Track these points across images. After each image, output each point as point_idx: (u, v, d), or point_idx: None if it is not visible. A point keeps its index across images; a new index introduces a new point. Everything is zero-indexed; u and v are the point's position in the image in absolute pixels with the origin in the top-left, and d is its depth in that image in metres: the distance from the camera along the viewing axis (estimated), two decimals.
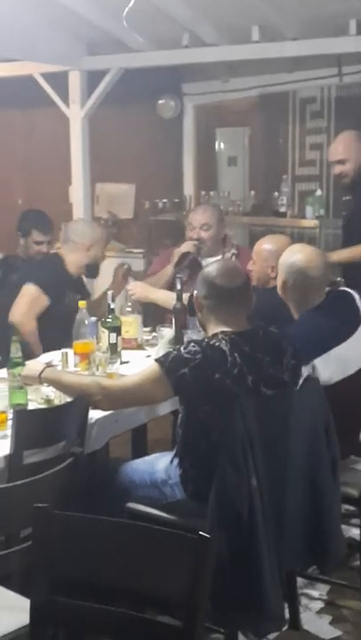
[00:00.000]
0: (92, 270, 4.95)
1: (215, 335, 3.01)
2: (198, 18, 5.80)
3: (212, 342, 2.98)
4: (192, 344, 3.00)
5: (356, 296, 3.73)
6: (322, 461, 3.09)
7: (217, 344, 2.97)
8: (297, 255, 3.63)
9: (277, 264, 3.71)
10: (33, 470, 2.72)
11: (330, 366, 3.40)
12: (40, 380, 3.32)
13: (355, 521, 3.65)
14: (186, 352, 2.96)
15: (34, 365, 3.42)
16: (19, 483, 2.46)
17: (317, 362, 3.39)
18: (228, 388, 2.93)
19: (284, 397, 3.06)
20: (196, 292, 3.21)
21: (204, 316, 3.15)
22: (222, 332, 3.01)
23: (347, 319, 3.60)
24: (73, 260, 4.81)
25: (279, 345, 3.12)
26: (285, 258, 3.64)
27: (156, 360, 3.07)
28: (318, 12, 5.45)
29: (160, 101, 7.24)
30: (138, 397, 3.17)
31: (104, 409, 3.24)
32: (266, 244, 4.16)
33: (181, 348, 3.01)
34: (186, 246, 4.88)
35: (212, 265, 3.26)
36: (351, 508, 3.55)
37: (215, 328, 3.05)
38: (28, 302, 4.62)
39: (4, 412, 3.10)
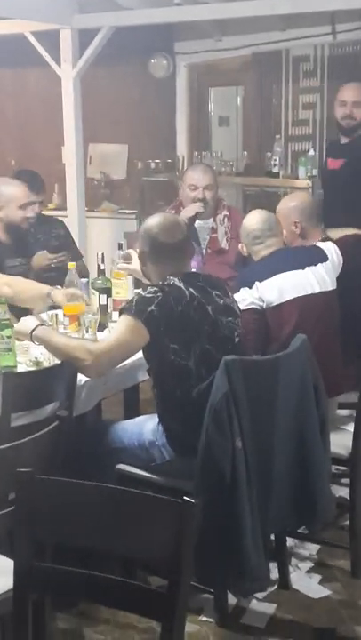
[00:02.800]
0: (13, 232, 4.48)
1: (167, 278, 3.12)
2: None
3: (166, 282, 3.10)
4: (149, 287, 3.11)
5: (326, 246, 3.94)
6: (311, 421, 3.09)
7: (171, 282, 3.09)
8: (245, 219, 4.01)
9: (300, 219, 4.02)
10: (21, 433, 2.65)
11: (275, 285, 3.63)
12: (31, 337, 3.28)
13: (345, 481, 3.62)
14: (147, 293, 3.06)
15: (28, 322, 3.37)
16: (3, 447, 2.42)
17: (259, 284, 3.64)
18: (192, 320, 3.04)
19: (271, 359, 3.04)
20: (138, 247, 3.31)
21: (148, 268, 3.27)
22: (171, 275, 3.13)
23: (305, 256, 3.83)
24: None
25: (220, 281, 3.34)
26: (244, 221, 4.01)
27: (123, 311, 3.12)
28: None
29: (152, 60, 7.14)
30: (121, 352, 3.13)
31: (91, 375, 3.17)
32: (285, 202, 4.22)
33: (141, 292, 3.11)
34: (194, 208, 4.77)
35: (151, 220, 3.28)
36: (342, 468, 3.53)
37: (162, 277, 3.16)
38: None
39: None
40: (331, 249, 3.93)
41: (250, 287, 3.65)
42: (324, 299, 3.72)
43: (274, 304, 3.62)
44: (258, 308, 3.65)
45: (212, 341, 3.06)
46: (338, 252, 3.96)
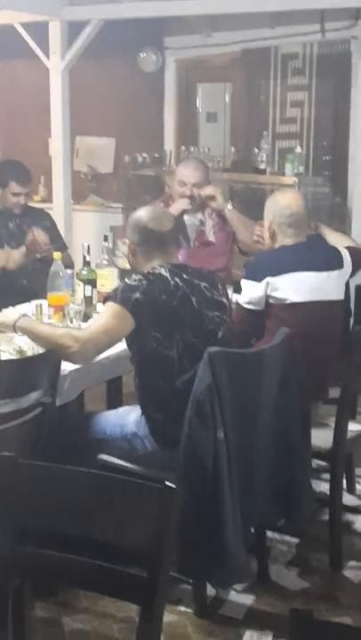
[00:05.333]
0: None
1: (153, 268, 3.14)
2: None
3: (151, 271, 3.12)
4: (134, 275, 3.13)
5: (342, 251, 3.83)
6: (292, 414, 3.12)
7: (157, 271, 3.11)
8: (280, 198, 3.85)
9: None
10: (3, 420, 2.67)
11: (290, 284, 3.55)
12: (14, 328, 3.28)
13: (325, 476, 3.64)
14: (132, 281, 3.10)
15: (9, 313, 3.38)
16: None
17: (271, 280, 3.55)
18: (175, 310, 3.06)
19: (255, 352, 3.06)
20: (127, 238, 3.33)
21: (138, 260, 3.27)
22: (159, 265, 3.14)
23: (325, 257, 3.71)
24: None
25: (212, 274, 3.32)
26: (272, 202, 3.84)
27: (108, 298, 3.15)
28: None
29: (141, 54, 7.13)
30: (107, 338, 3.13)
31: (78, 361, 3.17)
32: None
33: (126, 280, 3.15)
34: (181, 205, 4.74)
35: (141, 211, 3.32)
36: (322, 463, 3.56)
37: (150, 266, 3.17)
38: None
39: None
40: (347, 256, 3.81)
41: (259, 281, 3.56)
42: (335, 306, 3.69)
43: (289, 301, 3.54)
44: (255, 309, 3.59)
45: (196, 333, 3.08)
46: (349, 259, 3.82)
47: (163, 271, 3.11)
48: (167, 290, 3.06)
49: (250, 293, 3.60)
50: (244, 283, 3.64)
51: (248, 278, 3.63)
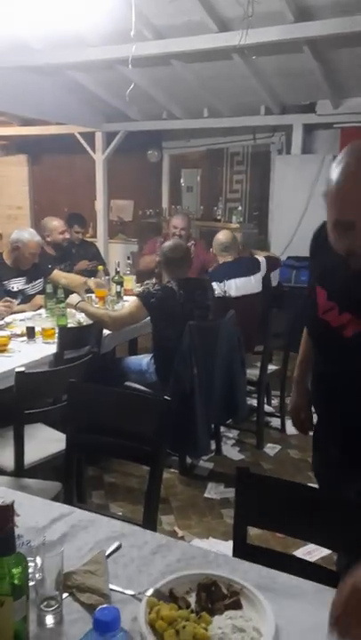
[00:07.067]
0: (58, 249, 4.43)
1: (168, 281, 3.03)
2: (171, 101, 5.65)
3: (166, 284, 3.02)
4: (155, 285, 3.05)
5: (261, 259, 3.74)
6: (236, 359, 3.10)
7: (169, 285, 3.00)
8: (219, 234, 3.71)
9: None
10: (70, 362, 2.65)
11: (233, 286, 3.49)
12: (76, 307, 3.25)
13: (254, 395, 3.64)
14: (153, 289, 3.01)
15: (73, 298, 3.34)
16: (61, 367, 2.41)
17: (227, 282, 3.48)
18: (177, 312, 2.96)
19: (215, 323, 3.04)
20: (158, 259, 3.24)
21: (163, 272, 3.15)
22: (172, 279, 3.02)
23: (249, 267, 3.64)
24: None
25: (205, 285, 3.17)
26: (215, 239, 3.73)
27: (137, 296, 3.09)
28: (242, 100, 5.32)
29: (149, 152, 7.05)
30: (129, 319, 3.11)
31: (111, 330, 3.16)
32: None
33: (149, 287, 3.07)
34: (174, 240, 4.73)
35: (165, 245, 3.20)
36: (252, 387, 3.55)
37: (170, 277, 3.07)
38: None
39: (52, 329, 3.03)
40: (263, 262, 3.73)
41: (220, 282, 3.50)
42: (256, 296, 3.63)
43: (232, 296, 3.50)
44: (221, 295, 3.49)
45: (184, 323, 2.92)
46: (265, 264, 3.74)
47: (173, 285, 2.98)
48: (172, 298, 2.96)
49: (217, 289, 3.47)
50: (213, 283, 3.47)
51: (214, 280, 3.51)
